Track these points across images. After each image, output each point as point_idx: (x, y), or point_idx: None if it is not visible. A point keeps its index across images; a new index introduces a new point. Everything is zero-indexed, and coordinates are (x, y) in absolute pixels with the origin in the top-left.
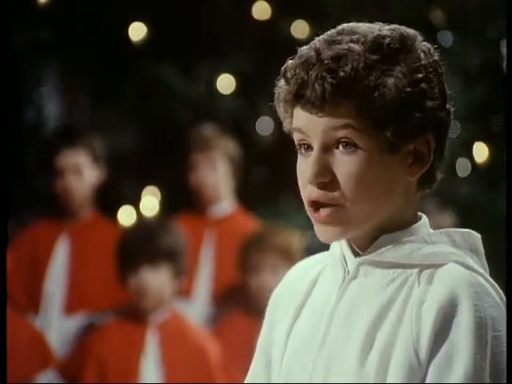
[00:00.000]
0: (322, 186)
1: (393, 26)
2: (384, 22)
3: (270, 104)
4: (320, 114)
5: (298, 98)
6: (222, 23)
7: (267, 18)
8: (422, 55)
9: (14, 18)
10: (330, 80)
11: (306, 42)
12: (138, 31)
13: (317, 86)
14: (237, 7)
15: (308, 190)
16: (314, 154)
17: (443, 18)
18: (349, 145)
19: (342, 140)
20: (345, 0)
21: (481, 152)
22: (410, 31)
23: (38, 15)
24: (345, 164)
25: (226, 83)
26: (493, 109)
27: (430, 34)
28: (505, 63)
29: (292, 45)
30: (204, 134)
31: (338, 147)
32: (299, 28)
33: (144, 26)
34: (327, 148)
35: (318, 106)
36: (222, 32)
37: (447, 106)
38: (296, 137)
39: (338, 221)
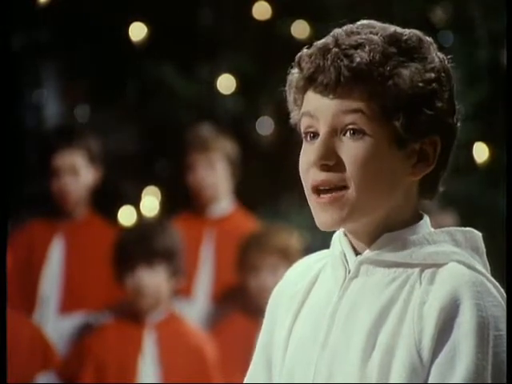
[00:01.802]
0: (326, 169)
1: (411, 29)
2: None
3: (282, 89)
4: (331, 96)
5: (311, 81)
6: (222, 23)
7: (267, 18)
8: (437, 59)
9: (13, 19)
10: (346, 63)
11: (306, 41)
12: (138, 31)
13: (332, 69)
14: (237, 7)
15: (311, 174)
16: (321, 136)
17: (443, 18)
18: (356, 132)
19: (350, 127)
20: (345, 0)
21: (481, 152)
22: (427, 37)
23: (37, 15)
24: (351, 149)
25: (226, 83)
26: (493, 109)
27: (430, 33)
28: (505, 63)
29: (292, 45)
30: (202, 135)
31: (345, 134)
32: (299, 28)
33: (144, 26)
34: (335, 133)
35: (332, 88)
36: (222, 32)
37: (455, 118)
38: (304, 123)
39: (339, 205)
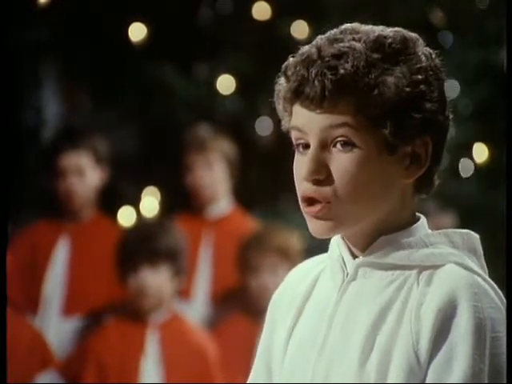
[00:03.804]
0: (317, 183)
1: (395, 29)
2: (384, 23)
3: (270, 100)
4: (318, 111)
5: (297, 94)
6: (222, 23)
7: (267, 18)
8: (423, 58)
9: (13, 18)
10: (330, 77)
11: (306, 42)
12: (138, 32)
13: (316, 83)
14: (237, 7)
15: (303, 187)
16: (311, 151)
17: (443, 18)
18: (346, 144)
19: (340, 139)
20: (345, 0)
21: (481, 152)
22: (412, 34)
23: (37, 15)
24: (341, 161)
25: (226, 83)
26: (493, 109)
27: (430, 34)
28: (505, 63)
29: (292, 45)
30: (200, 135)
31: (335, 146)
32: (299, 28)
33: (144, 26)
34: (324, 146)
35: (317, 102)
36: (221, 32)
37: (446, 112)
38: (294, 135)
39: (329, 216)
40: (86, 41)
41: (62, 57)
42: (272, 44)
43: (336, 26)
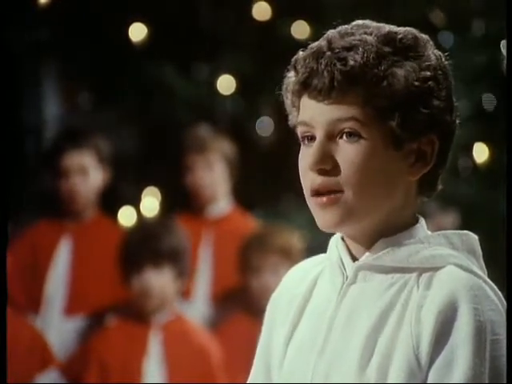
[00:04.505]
0: (323, 173)
1: (406, 28)
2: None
3: (278, 92)
4: (326, 102)
5: (305, 86)
6: (222, 23)
7: (267, 19)
8: (433, 57)
9: (13, 18)
10: (339, 67)
11: (306, 42)
12: (138, 32)
13: (326, 74)
14: (237, 7)
15: (309, 178)
16: (317, 141)
17: (443, 18)
18: (353, 135)
19: (346, 130)
20: (345, 0)
21: (481, 152)
22: (423, 35)
23: (37, 15)
24: (347, 152)
25: (226, 84)
26: (493, 109)
27: (430, 34)
28: (505, 63)
29: (292, 45)
30: (199, 135)
31: (341, 137)
32: (299, 28)
33: (144, 26)
34: (331, 137)
35: (326, 93)
36: (222, 32)
37: (453, 115)
38: (300, 130)
39: (337, 206)
40: (86, 41)
41: (62, 57)
42: (272, 44)
43: (335, 26)
